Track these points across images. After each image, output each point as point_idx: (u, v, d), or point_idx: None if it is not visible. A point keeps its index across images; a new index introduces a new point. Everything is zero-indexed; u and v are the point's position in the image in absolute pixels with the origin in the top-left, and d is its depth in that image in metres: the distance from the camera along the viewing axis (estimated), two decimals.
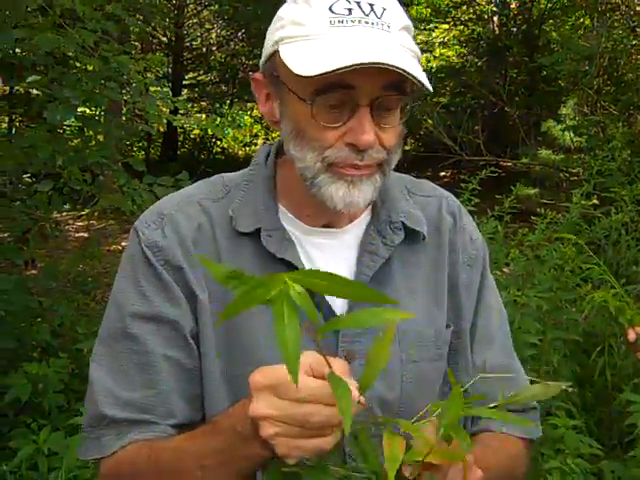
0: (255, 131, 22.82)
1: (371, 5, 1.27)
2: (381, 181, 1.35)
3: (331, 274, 0.85)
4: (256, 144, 23.04)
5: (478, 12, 17.43)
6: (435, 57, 19.28)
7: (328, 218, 1.43)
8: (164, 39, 18.33)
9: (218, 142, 20.42)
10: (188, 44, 19.66)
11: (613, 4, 10.07)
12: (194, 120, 5.22)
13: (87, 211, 8.84)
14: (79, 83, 4.44)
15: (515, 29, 16.27)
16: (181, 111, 5.34)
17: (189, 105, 5.86)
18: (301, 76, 1.21)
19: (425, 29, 18.64)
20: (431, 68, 18.59)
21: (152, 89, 5.06)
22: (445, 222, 1.53)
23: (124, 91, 5.01)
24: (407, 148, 19.50)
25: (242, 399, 1.13)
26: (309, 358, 1.00)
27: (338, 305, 1.37)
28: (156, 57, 5.45)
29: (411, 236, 1.47)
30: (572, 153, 10.83)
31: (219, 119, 5.56)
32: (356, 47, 1.21)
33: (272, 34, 1.33)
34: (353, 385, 0.99)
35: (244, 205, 1.42)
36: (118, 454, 1.31)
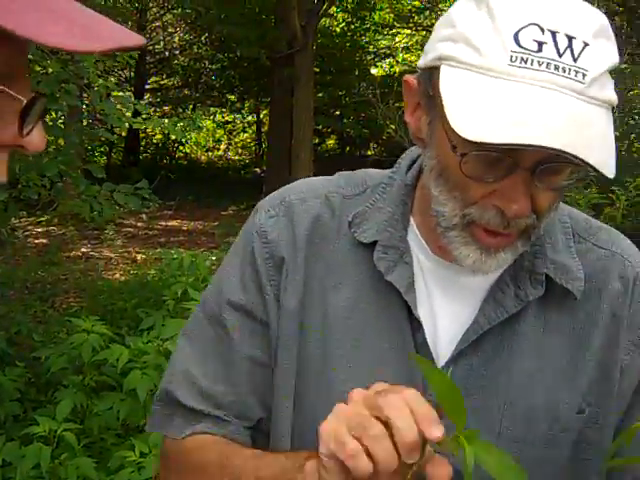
0: (218, 136, 22.77)
1: (570, 38, 1.01)
2: (523, 248, 1.14)
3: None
4: (219, 149, 22.98)
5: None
6: (398, 62, 19.39)
7: None
8: None
9: (181, 147, 20.32)
10: (150, 48, 19.54)
11: None
12: (155, 122, 5.18)
13: (46, 217, 8.74)
14: (37, 87, 4.38)
15: None
16: (143, 115, 5.30)
17: (151, 109, 5.82)
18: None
19: (388, 34, 18.75)
20: (394, 73, 18.68)
21: (114, 93, 5.01)
22: (610, 287, 1.24)
23: (85, 95, 4.96)
24: (369, 153, 19.57)
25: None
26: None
27: (442, 358, 1.21)
28: (125, 55, 5.36)
29: (558, 291, 1.21)
30: None
31: (180, 123, 5.50)
32: (537, 119, 0.98)
33: (438, 40, 1.10)
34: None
35: (371, 211, 1.25)
36: (187, 441, 1.27)
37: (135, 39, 0.72)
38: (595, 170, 0.98)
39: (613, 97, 1.06)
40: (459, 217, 1.10)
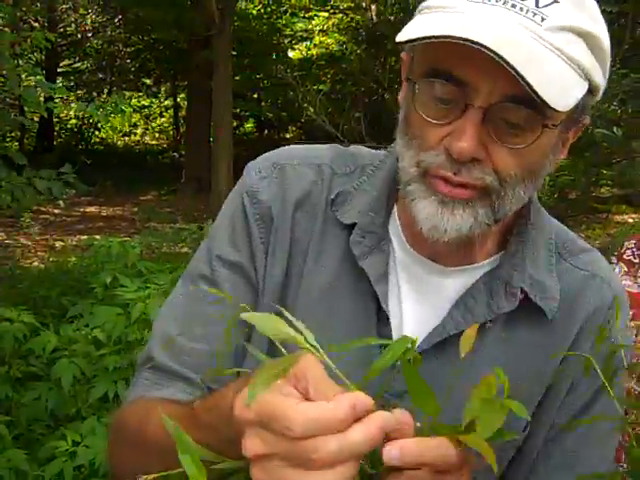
0: (134, 120, 22.39)
1: None
2: (486, 216, 1.07)
3: None
4: (135, 134, 22.60)
5: (357, 1, 17.62)
6: (315, 45, 19.41)
7: (431, 248, 1.16)
8: (36, 24, 17.69)
9: (97, 132, 19.92)
10: (62, 30, 19.05)
11: None
12: (76, 107, 5.04)
13: None
14: None
15: (392, 17, 16.53)
16: (56, 99, 5.17)
17: (68, 94, 5.68)
18: (403, 45, 1.01)
19: (304, 17, 18.73)
20: (311, 56, 18.70)
21: (26, 76, 4.87)
22: (583, 308, 1.20)
23: None
24: (288, 136, 19.58)
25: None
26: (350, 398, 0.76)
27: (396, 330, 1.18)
28: (39, 34, 5.16)
29: (531, 308, 1.17)
30: None
31: (101, 107, 5.38)
32: (465, 23, 0.97)
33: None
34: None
35: (356, 193, 1.21)
36: (137, 402, 1.17)
37: None
38: (538, 98, 0.94)
39: (582, 59, 1.01)
40: (415, 166, 1.06)
